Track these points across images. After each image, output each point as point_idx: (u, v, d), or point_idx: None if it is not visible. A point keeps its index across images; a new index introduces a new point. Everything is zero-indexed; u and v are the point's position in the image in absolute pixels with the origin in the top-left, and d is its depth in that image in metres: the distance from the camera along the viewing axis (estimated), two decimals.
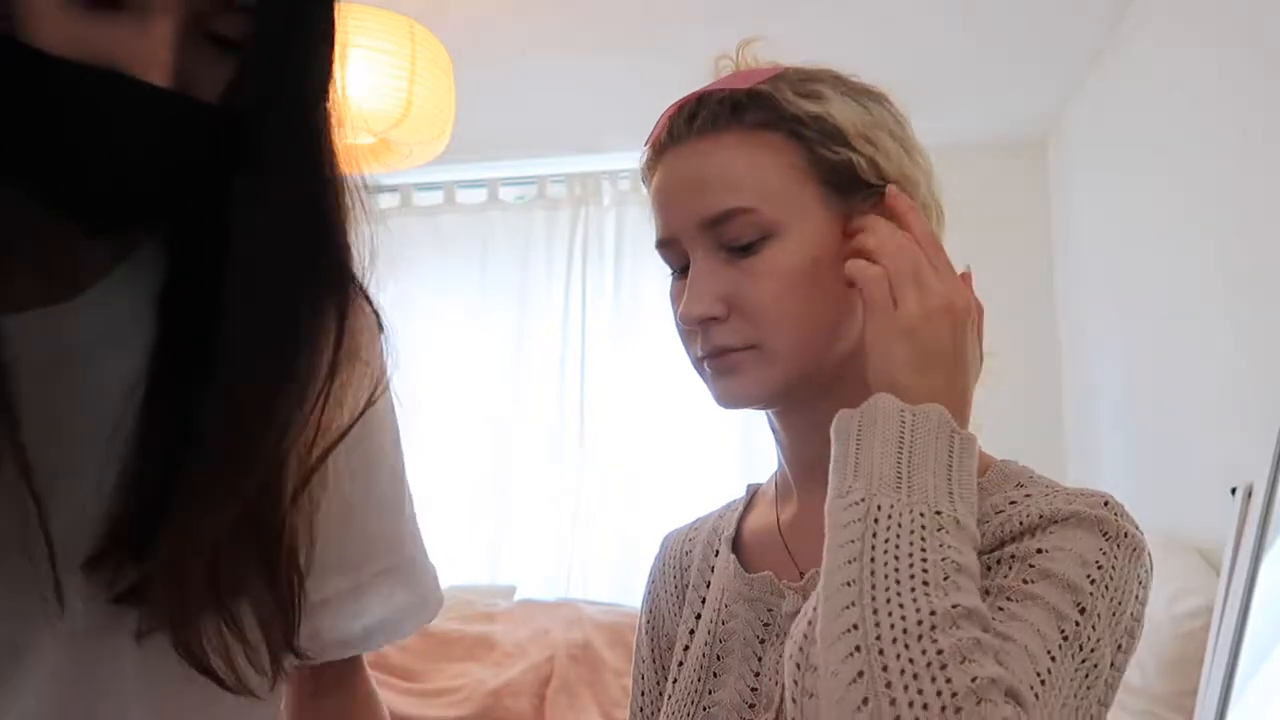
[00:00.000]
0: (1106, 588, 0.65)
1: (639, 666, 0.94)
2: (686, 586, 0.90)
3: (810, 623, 0.63)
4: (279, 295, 0.58)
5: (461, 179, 4.02)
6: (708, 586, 0.88)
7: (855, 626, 0.58)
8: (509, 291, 3.96)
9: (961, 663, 0.55)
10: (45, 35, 0.49)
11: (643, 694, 0.92)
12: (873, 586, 0.59)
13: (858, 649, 0.57)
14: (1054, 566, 0.65)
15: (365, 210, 0.62)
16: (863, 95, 0.79)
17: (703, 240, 0.75)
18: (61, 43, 0.49)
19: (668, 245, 0.78)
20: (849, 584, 0.59)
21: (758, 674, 0.79)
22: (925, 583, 0.58)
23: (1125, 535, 0.68)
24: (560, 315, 3.91)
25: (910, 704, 0.54)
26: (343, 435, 0.64)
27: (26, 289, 0.58)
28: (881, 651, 0.56)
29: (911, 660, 0.55)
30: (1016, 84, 3.24)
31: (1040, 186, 3.66)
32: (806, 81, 0.77)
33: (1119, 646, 0.66)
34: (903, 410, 0.67)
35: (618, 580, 3.63)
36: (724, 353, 0.75)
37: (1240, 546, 1.74)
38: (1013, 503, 0.71)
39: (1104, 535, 0.67)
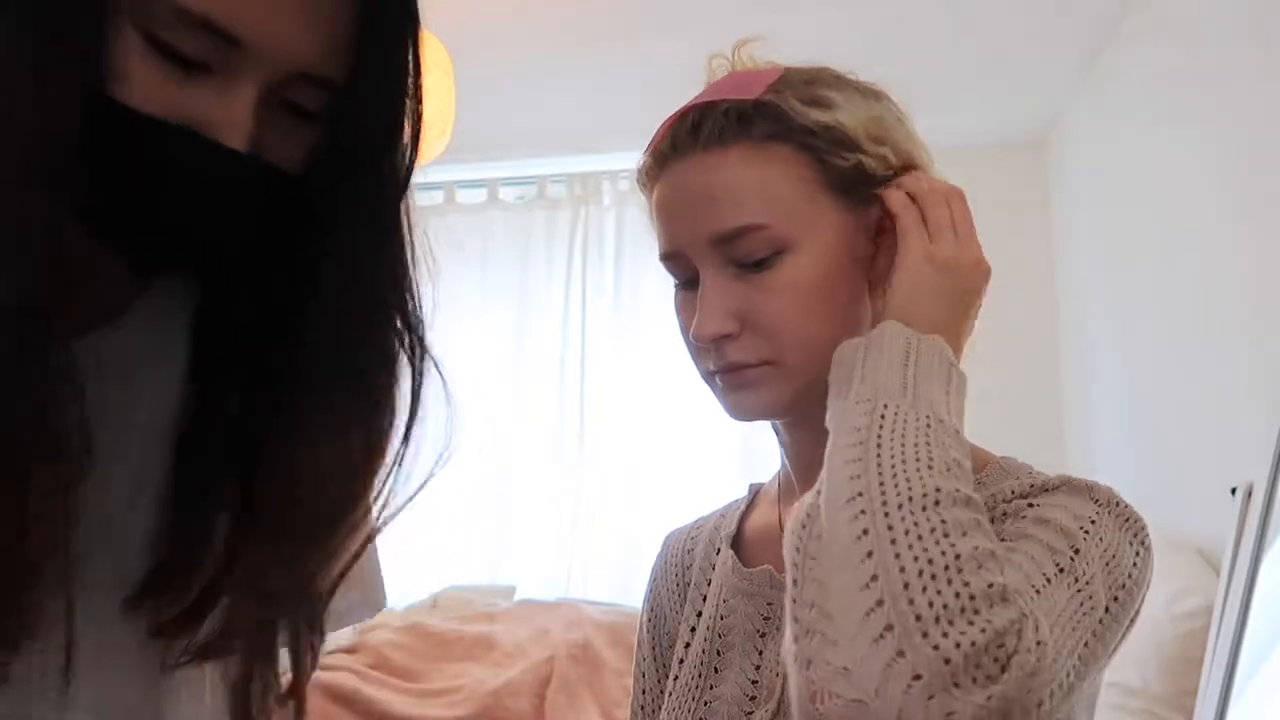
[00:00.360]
0: (1100, 539, 0.66)
1: (640, 664, 0.94)
2: (688, 585, 0.90)
3: (810, 509, 0.63)
4: (352, 359, 0.59)
5: (461, 179, 4.01)
6: (709, 585, 0.88)
7: (860, 494, 0.59)
8: (509, 291, 3.96)
9: (964, 535, 0.57)
10: (139, 95, 0.52)
11: (644, 692, 0.93)
12: (878, 464, 0.60)
13: (863, 512, 0.58)
14: (1046, 514, 0.67)
15: (430, 268, 0.63)
16: (866, 94, 0.78)
17: (712, 256, 0.74)
18: (153, 103, 0.52)
19: (673, 259, 0.77)
20: (855, 461, 0.61)
21: (758, 667, 0.79)
22: (930, 466, 0.60)
23: (1117, 504, 0.69)
24: (560, 315, 3.91)
25: (916, 562, 0.55)
26: (407, 501, 0.64)
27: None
28: (888, 514, 0.58)
29: (916, 524, 0.57)
30: (1016, 84, 3.24)
31: (1040, 186, 3.65)
32: (810, 86, 0.76)
33: (1114, 598, 0.66)
34: (909, 335, 0.68)
35: (618, 580, 3.63)
36: (738, 369, 0.74)
37: (1240, 546, 1.74)
38: (1012, 490, 0.72)
39: (1095, 501, 0.68)
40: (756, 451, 3.39)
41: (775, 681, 0.77)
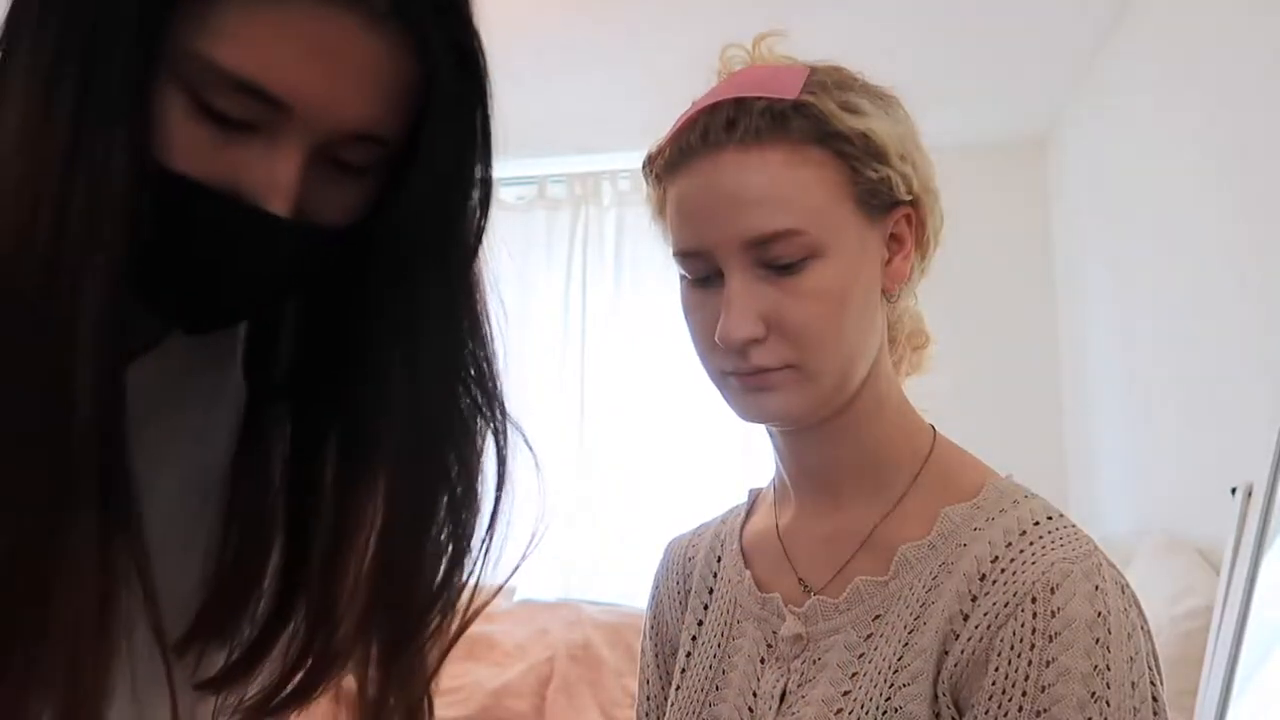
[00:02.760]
0: (1116, 677, 0.66)
1: (644, 671, 0.94)
2: (689, 593, 0.90)
3: None
4: (428, 431, 0.57)
5: None
6: (710, 593, 0.88)
7: None
8: (509, 292, 3.93)
9: None
10: (182, 156, 0.50)
11: (648, 698, 0.93)
12: None
13: None
14: (1056, 715, 0.65)
15: (504, 327, 0.61)
16: (889, 104, 0.78)
17: (741, 258, 0.73)
18: (197, 164, 0.50)
19: (695, 256, 0.75)
20: None
21: (755, 694, 0.79)
22: None
23: (1112, 628, 0.67)
24: (560, 315, 3.91)
25: None
26: (495, 593, 0.63)
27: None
28: None
29: None
30: (1016, 84, 3.24)
31: (1040, 186, 3.65)
32: (843, 91, 0.75)
33: (1152, 697, 0.68)
34: None
35: (618, 580, 3.63)
36: (761, 372, 0.73)
37: (1240, 546, 1.74)
38: (1011, 560, 0.70)
39: (1096, 642, 0.66)
40: (756, 452, 3.39)
41: (769, 714, 0.77)
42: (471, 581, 0.60)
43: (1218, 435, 2.20)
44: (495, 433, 0.60)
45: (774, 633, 0.80)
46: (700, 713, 0.82)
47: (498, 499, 0.60)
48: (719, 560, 0.89)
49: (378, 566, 0.56)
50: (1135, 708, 0.66)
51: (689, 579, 0.91)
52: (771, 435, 0.83)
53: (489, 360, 0.59)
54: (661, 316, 3.45)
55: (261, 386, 0.61)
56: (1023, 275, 3.59)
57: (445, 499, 0.58)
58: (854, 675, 0.73)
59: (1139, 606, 0.71)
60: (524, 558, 0.63)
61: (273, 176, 0.51)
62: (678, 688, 0.86)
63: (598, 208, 3.95)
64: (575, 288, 3.92)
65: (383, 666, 0.57)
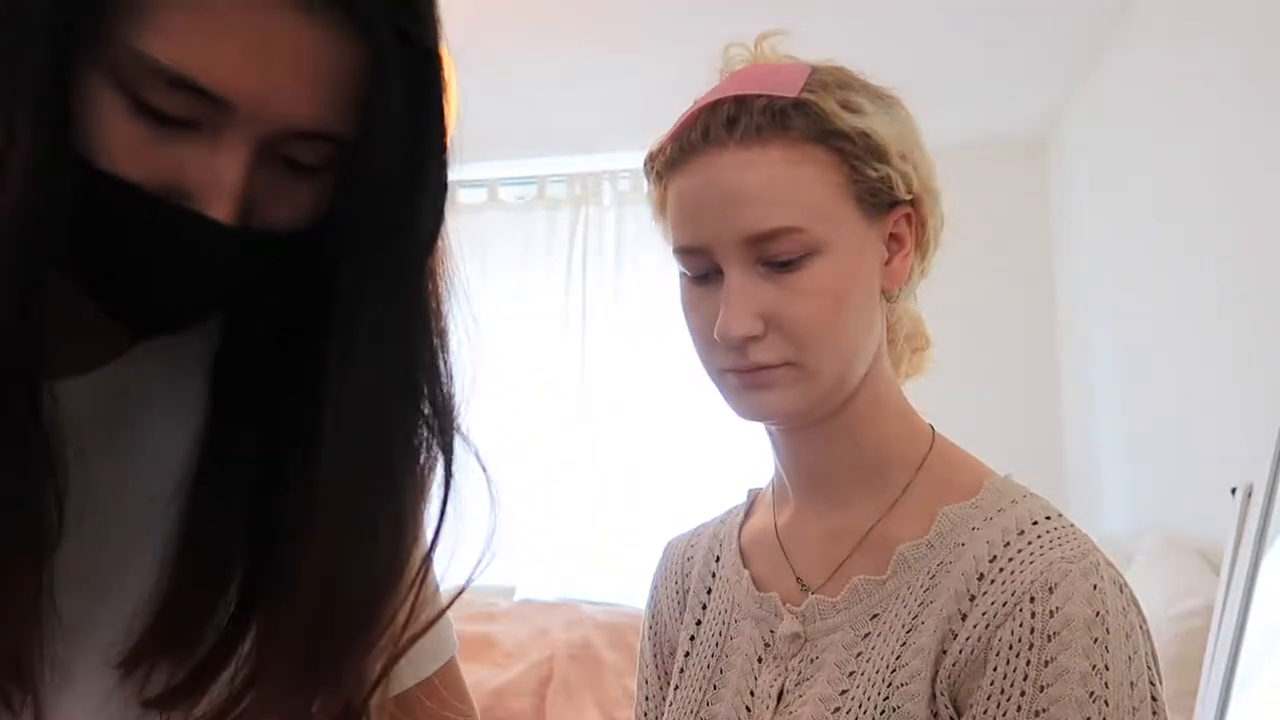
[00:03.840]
0: (1115, 677, 0.66)
1: (643, 671, 0.94)
2: (687, 593, 0.90)
3: None
4: (373, 446, 0.54)
5: (461, 179, 3.97)
6: (708, 594, 0.88)
7: None
8: (509, 292, 3.95)
9: None
10: (121, 156, 0.48)
11: (647, 698, 0.93)
12: None
13: None
14: (1056, 715, 0.66)
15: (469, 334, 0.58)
16: (890, 104, 0.78)
17: (741, 255, 0.73)
18: (137, 165, 0.48)
19: (695, 253, 0.76)
20: None
21: (753, 693, 0.79)
22: None
23: (1111, 627, 0.67)
24: (560, 315, 3.91)
25: None
26: (452, 602, 0.60)
27: (66, 357, 0.55)
28: None
29: None
30: (1016, 84, 3.24)
31: (1040, 186, 3.65)
32: (844, 90, 0.75)
33: (1151, 696, 0.68)
34: None
35: (618, 580, 3.63)
36: (760, 369, 0.74)
37: (1240, 546, 1.74)
38: (1010, 560, 0.70)
39: (1094, 642, 0.66)
40: (756, 451, 3.38)
41: (766, 713, 0.77)
42: (409, 600, 0.57)
43: (1218, 435, 2.20)
44: (444, 450, 0.57)
45: (772, 632, 0.80)
46: (698, 712, 0.82)
47: (440, 520, 0.57)
48: (717, 560, 0.89)
49: (320, 585, 0.54)
50: (1134, 707, 0.66)
51: (687, 579, 0.91)
52: (770, 435, 0.83)
53: (442, 374, 0.57)
54: (661, 316, 3.46)
55: (227, 396, 0.59)
56: (1023, 275, 3.59)
57: (388, 519, 0.55)
58: (851, 674, 0.73)
59: (1137, 606, 0.71)
60: (469, 581, 0.61)
61: (215, 177, 0.49)
62: (676, 688, 0.86)
63: (598, 208, 3.95)
64: (575, 288, 3.92)
65: (308, 661, 0.55)
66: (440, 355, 0.56)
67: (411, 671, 0.68)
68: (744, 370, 0.74)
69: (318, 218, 0.53)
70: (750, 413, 0.77)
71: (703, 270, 0.76)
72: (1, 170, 0.46)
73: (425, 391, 0.56)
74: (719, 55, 0.81)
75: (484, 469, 0.59)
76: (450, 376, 0.57)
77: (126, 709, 0.55)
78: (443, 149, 0.55)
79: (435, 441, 0.56)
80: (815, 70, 0.77)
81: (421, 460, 0.56)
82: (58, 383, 0.53)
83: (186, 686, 0.55)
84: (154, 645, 0.55)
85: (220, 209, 0.49)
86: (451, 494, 0.57)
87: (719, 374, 0.77)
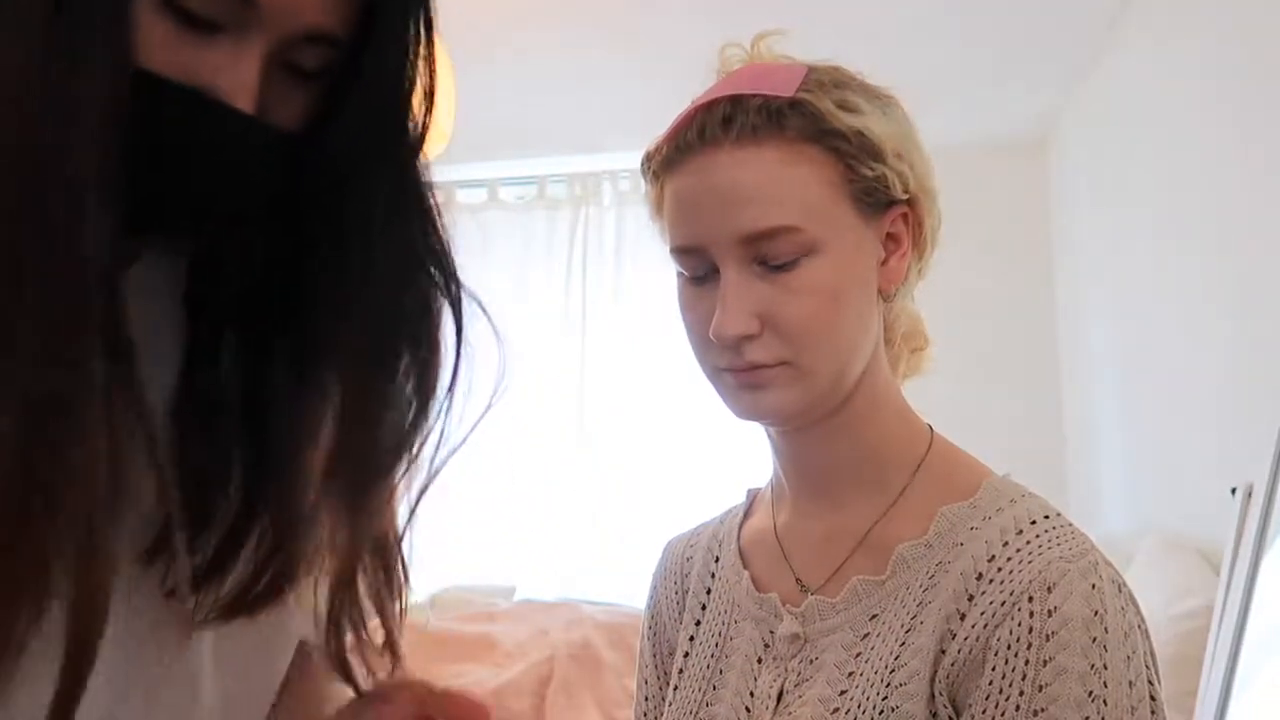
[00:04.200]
0: (1113, 676, 0.66)
1: (642, 671, 0.94)
2: (687, 593, 0.90)
3: None
4: (394, 311, 0.60)
5: (461, 179, 4.01)
6: (708, 594, 0.88)
7: None
8: (509, 292, 3.96)
9: None
10: (147, 54, 0.52)
11: (646, 699, 0.93)
12: None
13: None
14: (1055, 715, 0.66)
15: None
16: (886, 104, 0.78)
17: (737, 254, 0.73)
18: (162, 63, 0.52)
19: (691, 253, 0.76)
20: None
21: (752, 693, 0.79)
22: None
23: (1109, 627, 0.67)
24: (560, 315, 3.91)
25: None
26: (461, 443, 0.65)
27: None
28: None
29: None
30: (1016, 84, 3.24)
31: (1040, 186, 3.65)
32: (840, 90, 0.76)
33: (1150, 696, 0.68)
34: None
35: (618, 580, 3.63)
36: (755, 369, 0.74)
37: (1240, 546, 1.74)
38: (1008, 559, 0.70)
39: (1093, 641, 0.66)
40: (756, 451, 3.38)
41: (765, 714, 0.77)
42: (433, 434, 0.63)
43: (1218, 435, 2.20)
44: (453, 304, 0.63)
45: (771, 632, 0.80)
46: (697, 713, 0.82)
47: (455, 367, 0.63)
48: (717, 560, 0.89)
49: (337, 449, 0.58)
50: (1132, 707, 0.66)
51: (687, 579, 0.91)
52: (769, 435, 0.83)
53: (443, 242, 0.62)
54: (661, 316, 3.46)
55: (210, 310, 0.62)
56: (1022, 275, 3.59)
57: (405, 373, 0.61)
58: (851, 675, 0.73)
59: (1136, 605, 0.71)
60: (481, 417, 0.66)
61: (238, 77, 0.53)
62: (675, 688, 0.86)
63: (598, 208, 3.95)
64: (575, 288, 3.92)
65: (349, 524, 0.59)
66: (438, 225, 0.62)
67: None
68: (740, 370, 0.74)
69: (308, 126, 0.58)
70: (746, 412, 0.77)
71: (700, 270, 0.76)
72: (56, 75, 0.49)
73: (432, 256, 0.62)
74: (725, 45, 0.81)
75: (489, 318, 0.66)
76: (447, 241, 0.63)
77: (150, 600, 0.58)
78: (431, 46, 0.60)
79: (444, 297, 0.62)
80: (812, 70, 0.77)
81: (434, 318, 0.62)
82: None
83: (206, 573, 0.59)
84: (169, 537, 0.58)
85: (242, 104, 0.53)
86: (463, 345, 0.63)
87: (715, 373, 0.77)
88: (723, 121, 0.74)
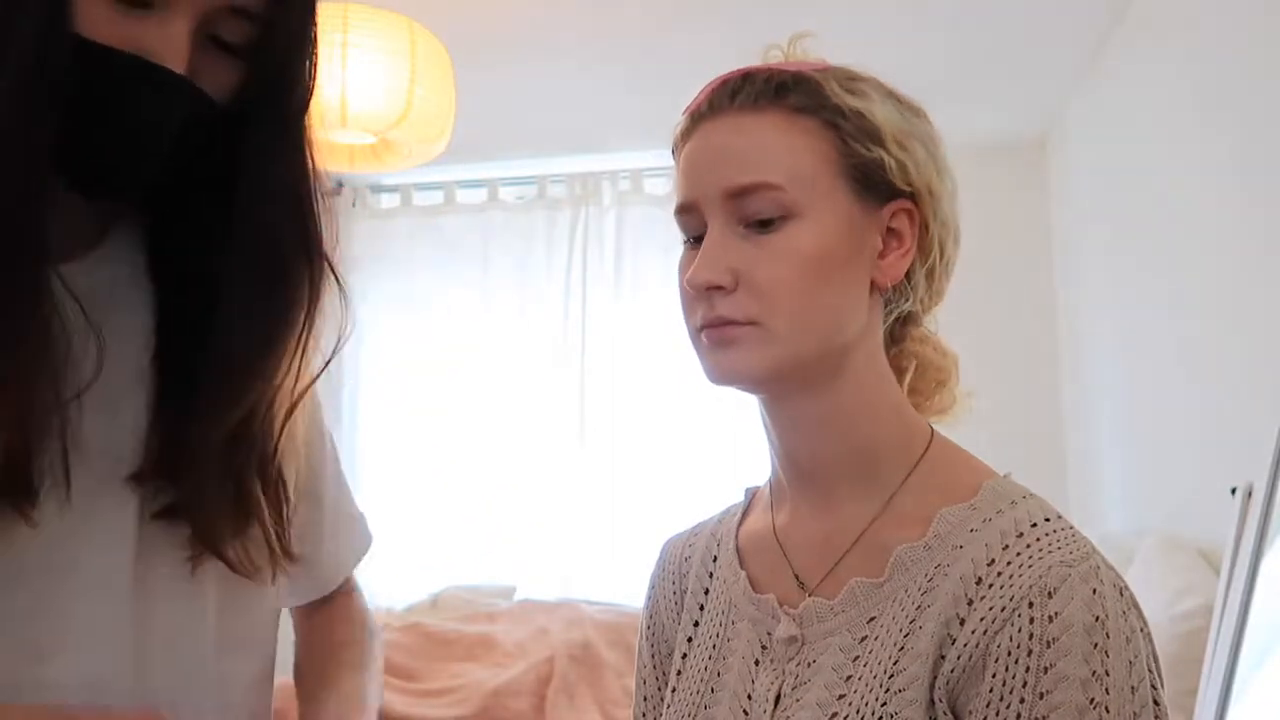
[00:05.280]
0: (1115, 682, 0.66)
1: (641, 672, 0.94)
2: (684, 593, 0.90)
3: None
4: (272, 267, 0.71)
5: (461, 179, 4.01)
6: (706, 594, 0.88)
7: None
8: (509, 292, 3.96)
9: None
10: (89, 27, 0.60)
11: (645, 699, 0.93)
12: None
13: None
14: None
15: (326, 195, 0.76)
16: (905, 106, 0.80)
17: (723, 210, 0.76)
18: (107, 38, 0.60)
19: (687, 211, 0.79)
20: None
21: (750, 696, 0.79)
22: None
23: (1111, 632, 0.67)
24: (560, 315, 3.91)
25: None
26: (318, 375, 0.77)
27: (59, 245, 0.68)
28: None
29: None
30: (1016, 84, 3.24)
31: (1040, 186, 3.65)
32: (853, 80, 0.78)
33: (1154, 700, 0.68)
34: None
35: (618, 580, 3.63)
36: (725, 324, 0.75)
37: (1240, 546, 1.74)
38: (1008, 563, 0.70)
39: (1094, 647, 0.66)
40: (756, 451, 3.38)
41: (763, 716, 0.77)
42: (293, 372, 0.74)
43: (1218, 435, 2.20)
44: (312, 256, 0.73)
45: (769, 634, 0.80)
46: (695, 714, 0.82)
47: (311, 311, 0.73)
48: (715, 560, 0.89)
49: (232, 354, 0.71)
50: (1135, 713, 0.65)
51: (685, 579, 0.91)
52: (765, 428, 0.83)
53: (316, 194, 0.73)
54: (662, 316, 3.46)
55: (173, 280, 0.73)
56: (1023, 275, 3.59)
57: (281, 311, 0.72)
58: (849, 678, 0.73)
59: (1138, 609, 0.71)
60: (334, 351, 0.77)
61: (170, 45, 0.61)
62: (673, 689, 0.85)
63: (598, 208, 3.94)
64: (575, 288, 3.92)
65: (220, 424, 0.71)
66: (314, 182, 0.73)
67: (315, 588, 0.91)
68: (711, 324, 0.75)
69: (232, 97, 0.67)
70: (715, 372, 0.77)
71: (695, 231, 0.78)
72: (3, 48, 0.58)
73: (306, 225, 0.72)
74: (718, 56, 0.83)
75: (337, 280, 0.76)
76: (320, 201, 0.73)
77: (138, 520, 0.70)
78: (313, 13, 0.70)
79: (311, 262, 0.73)
80: (833, 66, 0.80)
81: (303, 277, 0.73)
82: (61, 267, 0.66)
83: (186, 500, 0.70)
84: (156, 466, 0.70)
85: (176, 68, 0.62)
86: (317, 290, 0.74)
87: (695, 336, 0.78)
88: (731, 93, 0.78)
